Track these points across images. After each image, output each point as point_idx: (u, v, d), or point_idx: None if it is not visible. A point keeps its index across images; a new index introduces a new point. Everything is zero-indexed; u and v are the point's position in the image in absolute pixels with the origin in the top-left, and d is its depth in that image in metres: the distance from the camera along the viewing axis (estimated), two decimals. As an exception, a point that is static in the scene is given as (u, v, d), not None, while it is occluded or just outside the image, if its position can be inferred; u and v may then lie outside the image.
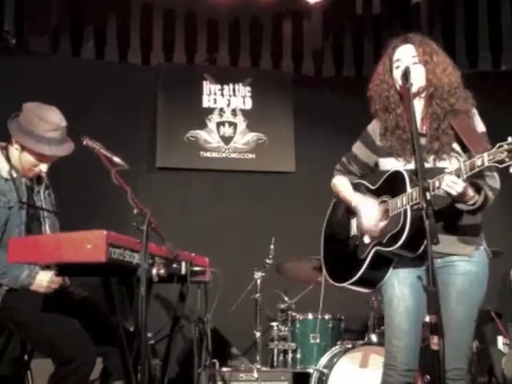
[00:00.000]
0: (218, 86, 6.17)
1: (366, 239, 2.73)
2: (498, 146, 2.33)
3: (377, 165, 2.88)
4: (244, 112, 6.18)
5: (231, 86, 6.20)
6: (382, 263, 2.71)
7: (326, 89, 6.21)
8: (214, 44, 6.23)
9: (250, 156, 6.11)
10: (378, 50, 6.52)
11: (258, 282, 4.74)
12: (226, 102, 6.17)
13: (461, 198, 2.47)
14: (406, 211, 2.55)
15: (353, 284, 2.77)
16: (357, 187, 2.88)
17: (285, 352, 4.71)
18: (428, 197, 2.34)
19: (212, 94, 6.15)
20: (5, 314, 2.89)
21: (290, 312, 4.74)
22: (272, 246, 4.80)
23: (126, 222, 2.55)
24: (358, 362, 4.19)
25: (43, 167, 3.17)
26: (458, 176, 2.41)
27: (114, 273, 2.55)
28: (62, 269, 2.55)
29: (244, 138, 6.13)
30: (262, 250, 4.83)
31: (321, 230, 3.00)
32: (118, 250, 2.36)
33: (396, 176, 2.66)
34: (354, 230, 2.83)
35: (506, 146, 2.30)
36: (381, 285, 2.74)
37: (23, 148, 3.10)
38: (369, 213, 2.72)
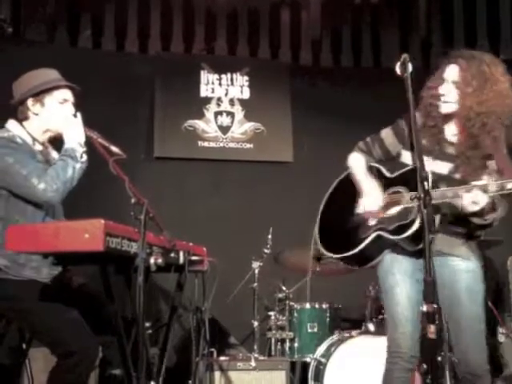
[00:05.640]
0: (216, 76, 6.15)
1: (371, 221, 2.79)
2: None
3: (398, 155, 2.89)
4: (242, 101, 6.16)
5: (229, 75, 6.18)
6: (379, 246, 2.79)
7: (323, 79, 6.19)
8: (212, 33, 6.21)
9: (248, 146, 6.10)
10: (376, 39, 6.57)
11: (256, 271, 4.74)
12: (224, 91, 6.15)
13: (477, 212, 2.53)
14: (419, 207, 2.58)
15: (345, 258, 2.85)
16: (371, 171, 2.91)
17: (282, 341, 4.72)
18: (426, 187, 2.36)
19: (210, 84, 6.13)
20: (8, 303, 2.87)
21: (287, 301, 4.75)
22: (270, 236, 4.79)
23: (123, 212, 2.55)
24: (355, 351, 4.20)
25: (72, 109, 3.05)
26: (484, 192, 2.46)
27: (112, 262, 2.55)
28: (60, 258, 2.54)
29: (242, 127, 6.11)
30: (259, 240, 4.82)
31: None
32: (115, 240, 2.36)
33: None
34: (360, 209, 2.87)
35: None
36: (372, 264, 2.83)
37: (42, 104, 2.99)
38: (370, 203, 2.79)
